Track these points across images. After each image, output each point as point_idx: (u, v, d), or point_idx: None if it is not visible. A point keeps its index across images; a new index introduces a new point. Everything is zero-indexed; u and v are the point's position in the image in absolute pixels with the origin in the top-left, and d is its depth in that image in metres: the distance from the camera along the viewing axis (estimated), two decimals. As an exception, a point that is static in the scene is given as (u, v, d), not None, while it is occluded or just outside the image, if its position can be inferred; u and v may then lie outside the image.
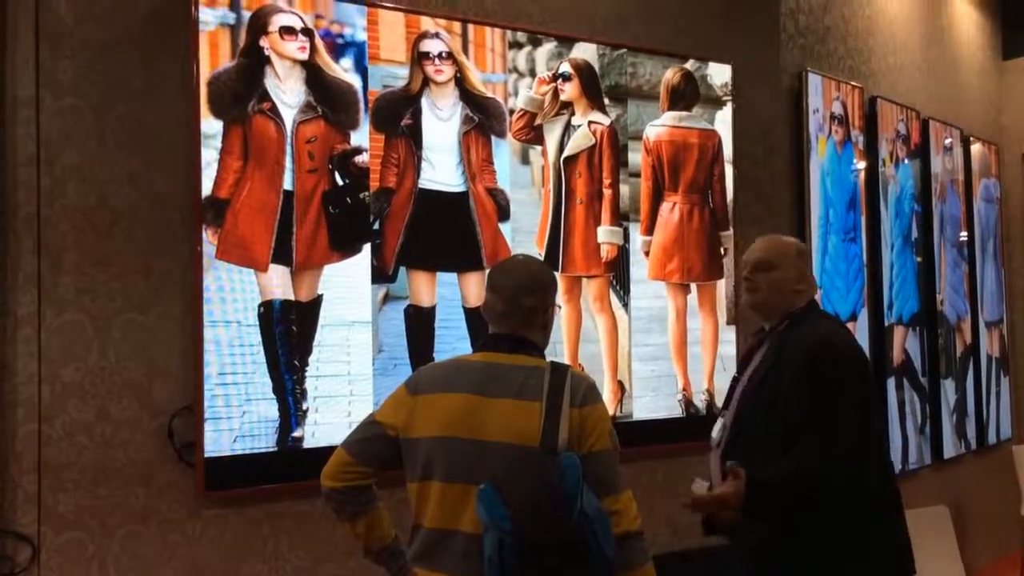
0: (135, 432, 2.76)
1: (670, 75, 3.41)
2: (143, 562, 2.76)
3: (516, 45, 3.05)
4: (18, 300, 2.63)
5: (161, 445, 2.78)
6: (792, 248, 2.57)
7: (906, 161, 5.19)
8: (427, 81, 2.73)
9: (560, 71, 3.11)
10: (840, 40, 4.82)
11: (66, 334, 2.68)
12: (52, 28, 2.68)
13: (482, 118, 2.84)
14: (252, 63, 2.43)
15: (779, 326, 2.51)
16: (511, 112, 3.06)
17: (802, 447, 2.30)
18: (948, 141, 5.89)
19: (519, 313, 2.11)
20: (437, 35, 2.76)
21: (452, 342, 2.68)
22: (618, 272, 3.25)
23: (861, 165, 4.74)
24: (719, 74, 3.60)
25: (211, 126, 2.48)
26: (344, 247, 2.53)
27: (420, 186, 2.66)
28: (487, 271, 2.59)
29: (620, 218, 3.26)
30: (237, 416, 2.53)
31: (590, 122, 3.20)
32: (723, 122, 3.63)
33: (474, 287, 2.72)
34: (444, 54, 2.77)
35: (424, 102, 2.70)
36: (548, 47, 3.11)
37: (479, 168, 2.77)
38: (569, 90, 3.12)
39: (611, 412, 3.35)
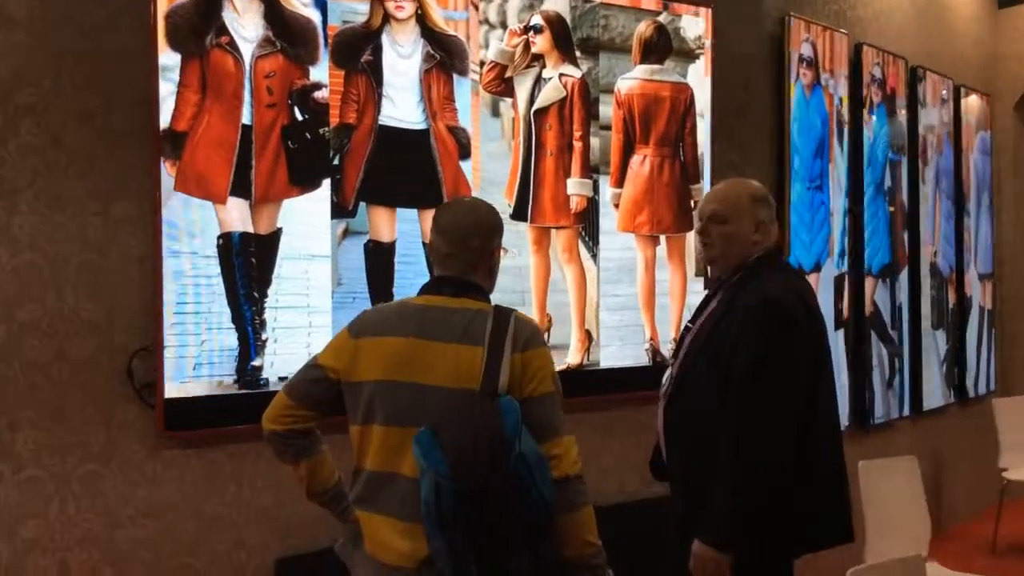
0: (94, 373, 2.76)
1: (643, 28, 3.38)
2: (103, 501, 2.78)
3: (486, -2, 3.03)
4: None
5: (120, 385, 2.79)
6: (746, 197, 2.46)
7: (881, 106, 5.11)
8: (388, 17, 2.72)
9: (531, 23, 3.11)
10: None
11: (22, 275, 2.66)
12: (3, -38, 2.62)
13: (443, 56, 2.83)
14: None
15: (733, 277, 2.46)
16: (482, 64, 3.02)
17: (719, 455, 2.28)
18: (944, 92, 5.82)
19: (464, 255, 2.09)
20: (399, -30, 2.75)
21: (411, 277, 2.69)
22: (587, 223, 3.28)
23: (829, 111, 4.66)
24: (692, 27, 3.57)
25: (169, 59, 2.49)
26: (303, 182, 2.54)
27: (380, 123, 2.66)
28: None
29: (590, 170, 3.27)
30: (195, 345, 2.56)
31: (561, 75, 3.19)
32: (696, 75, 3.59)
33: (434, 223, 2.73)
34: (406, -11, 2.77)
35: (384, 38, 2.70)
36: (519, -1, 3.08)
37: (440, 106, 2.77)
38: (540, 43, 3.12)
39: (578, 361, 3.37)
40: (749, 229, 2.44)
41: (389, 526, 1.98)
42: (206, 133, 2.45)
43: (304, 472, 2.12)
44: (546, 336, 3.32)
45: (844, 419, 4.66)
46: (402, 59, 2.70)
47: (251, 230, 2.48)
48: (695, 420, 2.41)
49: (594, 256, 3.29)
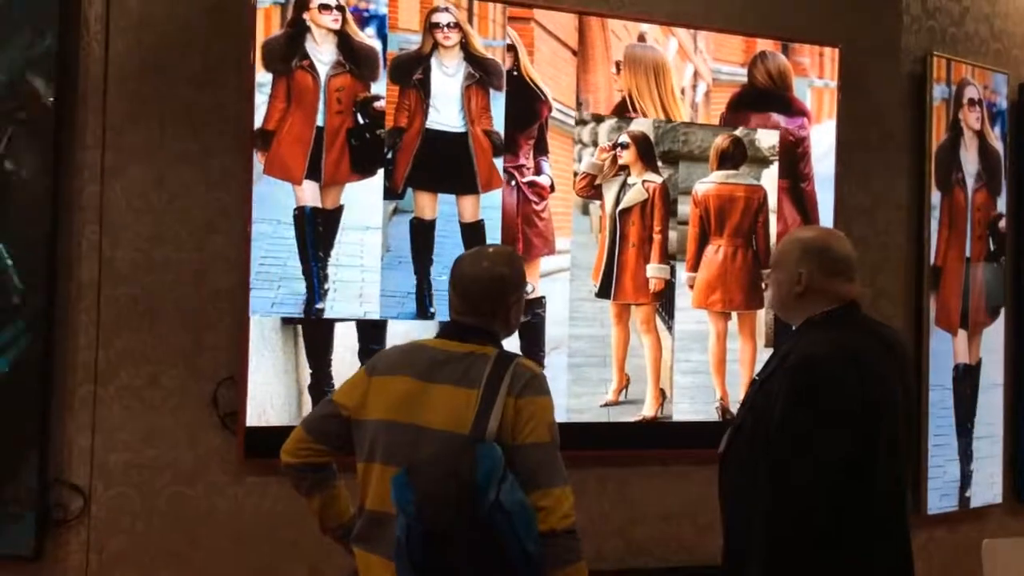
0: (183, 398, 2.96)
1: (720, 140, 3.62)
2: (185, 522, 2.95)
3: (582, 123, 3.42)
4: (81, 268, 2.87)
5: (206, 411, 2.97)
6: (796, 247, 2.32)
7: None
8: (436, 45, 3.23)
9: (619, 141, 3.48)
10: (983, 20, 4.36)
11: (121, 305, 2.91)
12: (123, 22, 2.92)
13: (482, 75, 3.27)
14: (296, 32, 3.06)
15: (798, 331, 2.32)
16: (575, 175, 3.43)
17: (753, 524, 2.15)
18: None
19: (476, 313, 2.10)
20: (446, 9, 3.24)
21: (449, 248, 3.17)
22: (664, 301, 3.56)
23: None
24: (767, 138, 3.70)
25: (264, 77, 3.02)
26: (362, 170, 3.13)
27: (427, 127, 3.21)
28: (479, 195, 3.21)
29: (668, 258, 3.57)
30: (274, 289, 3.02)
31: (644, 180, 3.52)
32: (770, 178, 3.70)
33: (469, 207, 3.25)
34: (451, 24, 3.25)
35: (433, 61, 3.22)
36: (610, 123, 3.47)
37: (478, 114, 3.26)
38: (626, 156, 3.50)
39: (651, 414, 3.46)
40: (791, 280, 2.30)
41: (380, 566, 1.98)
42: (288, 131, 3.04)
43: (317, 506, 2.16)
44: (623, 392, 3.45)
45: (998, 491, 4.22)
46: (447, 77, 3.22)
47: (320, 205, 3.08)
48: (740, 479, 2.26)
49: (669, 328, 3.57)
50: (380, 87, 3.15)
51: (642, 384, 3.50)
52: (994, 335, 4.15)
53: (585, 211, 3.47)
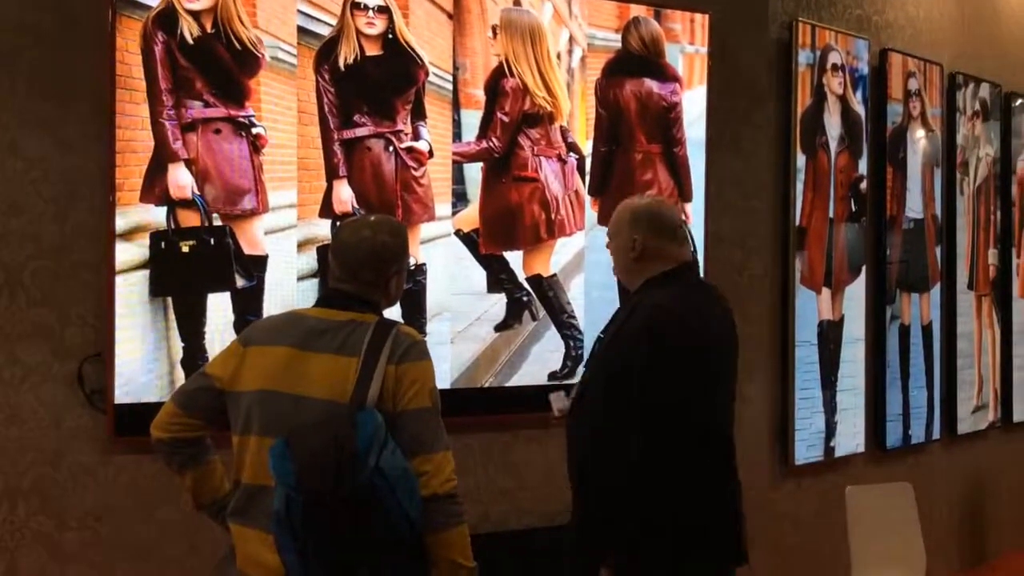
0: (46, 376, 2.82)
1: None
2: (53, 503, 2.83)
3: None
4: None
5: (71, 390, 2.84)
6: (626, 215, 2.47)
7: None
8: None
9: None
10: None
11: (-25, 278, 2.75)
12: None
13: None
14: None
15: (637, 294, 2.45)
16: None
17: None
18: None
19: (356, 281, 2.08)
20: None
21: None
22: None
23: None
24: None
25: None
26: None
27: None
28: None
29: None
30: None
31: None
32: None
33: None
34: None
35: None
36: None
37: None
38: None
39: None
40: (627, 246, 2.44)
41: (259, 540, 1.95)
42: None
43: (190, 482, 2.11)
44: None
45: (860, 440, 4.46)
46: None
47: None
48: (579, 434, 2.39)
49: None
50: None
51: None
52: (856, 292, 4.35)
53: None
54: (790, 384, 4.19)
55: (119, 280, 2.81)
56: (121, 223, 2.81)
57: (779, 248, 4.09)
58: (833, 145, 4.09)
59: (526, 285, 3.47)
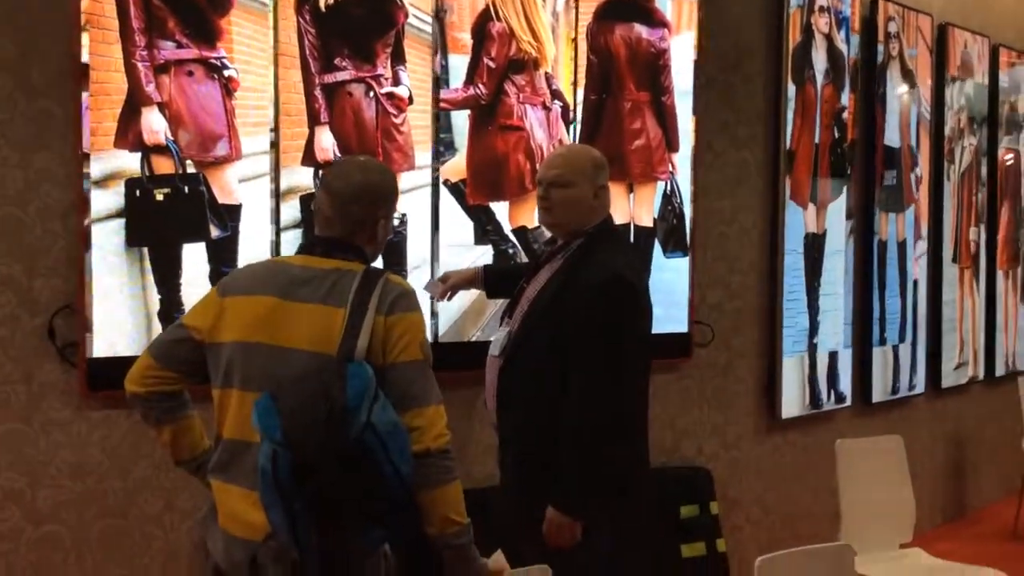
0: (14, 329, 2.71)
1: None
2: (24, 461, 2.73)
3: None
4: None
5: (42, 344, 2.73)
6: (588, 163, 2.52)
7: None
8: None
9: None
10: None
11: None
12: None
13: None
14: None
15: (573, 244, 2.51)
16: None
17: (566, 424, 2.39)
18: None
19: (345, 221, 1.97)
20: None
21: None
22: None
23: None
24: None
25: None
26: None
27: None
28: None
29: None
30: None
31: None
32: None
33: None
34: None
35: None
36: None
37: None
38: None
39: None
40: (589, 194, 2.49)
41: (241, 497, 1.88)
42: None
43: (168, 437, 2.03)
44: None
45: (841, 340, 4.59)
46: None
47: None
48: (532, 385, 2.46)
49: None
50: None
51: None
52: (837, 209, 4.59)
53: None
54: (777, 341, 4.18)
55: (95, 229, 2.69)
56: (96, 169, 2.68)
57: (771, 169, 4.20)
58: (819, 79, 4.36)
59: (512, 237, 3.37)
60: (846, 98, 4.47)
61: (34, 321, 2.72)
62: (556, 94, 3.43)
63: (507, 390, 2.52)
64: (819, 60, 4.30)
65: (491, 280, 2.91)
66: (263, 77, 2.89)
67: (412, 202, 3.16)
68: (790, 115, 4.17)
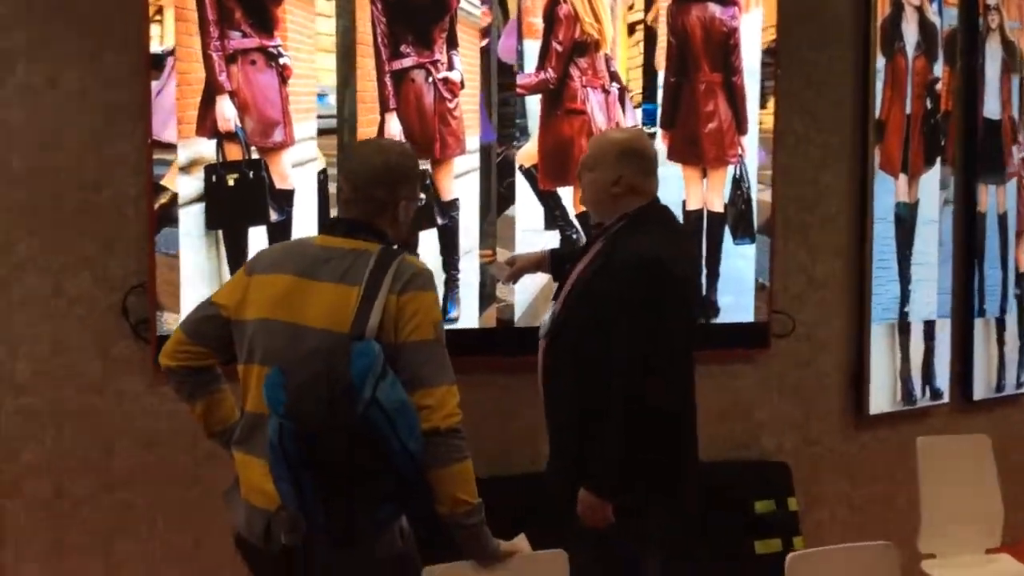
0: (91, 306, 2.86)
1: None
2: (99, 431, 2.89)
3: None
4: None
5: (116, 320, 2.88)
6: (614, 149, 2.51)
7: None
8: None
9: None
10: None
11: (15, 213, 2.78)
12: None
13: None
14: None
15: (614, 227, 2.50)
16: None
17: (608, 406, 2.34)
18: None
19: (366, 203, 2.00)
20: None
21: None
22: None
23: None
24: None
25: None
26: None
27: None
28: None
29: None
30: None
31: None
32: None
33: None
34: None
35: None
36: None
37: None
38: None
39: None
40: (609, 181, 2.48)
41: (259, 468, 1.93)
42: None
43: (201, 410, 2.11)
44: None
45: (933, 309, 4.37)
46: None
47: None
48: (577, 365, 2.45)
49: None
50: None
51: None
52: (931, 179, 4.36)
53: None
54: (865, 333, 4.00)
55: (181, 213, 2.83)
56: (183, 156, 2.82)
57: (859, 138, 4.05)
58: (910, 51, 4.21)
59: (576, 223, 3.34)
60: (939, 70, 4.29)
61: (109, 299, 2.87)
62: (614, 76, 3.38)
63: (550, 370, 2.53)
64: (910, 32, 4.15)
65: (557, 263, 2.90)
66: (311, 64, 2.96)
67: (463, 187, 3.17)
68: (879, 87, 4.04)
